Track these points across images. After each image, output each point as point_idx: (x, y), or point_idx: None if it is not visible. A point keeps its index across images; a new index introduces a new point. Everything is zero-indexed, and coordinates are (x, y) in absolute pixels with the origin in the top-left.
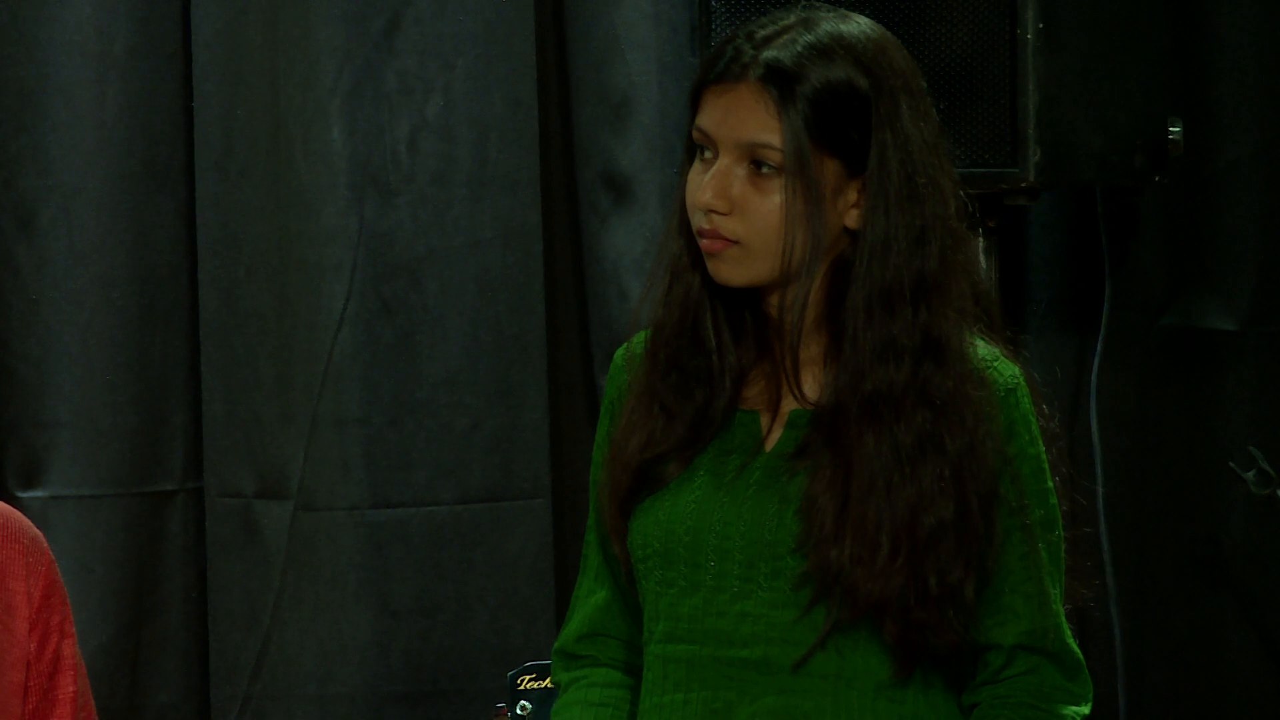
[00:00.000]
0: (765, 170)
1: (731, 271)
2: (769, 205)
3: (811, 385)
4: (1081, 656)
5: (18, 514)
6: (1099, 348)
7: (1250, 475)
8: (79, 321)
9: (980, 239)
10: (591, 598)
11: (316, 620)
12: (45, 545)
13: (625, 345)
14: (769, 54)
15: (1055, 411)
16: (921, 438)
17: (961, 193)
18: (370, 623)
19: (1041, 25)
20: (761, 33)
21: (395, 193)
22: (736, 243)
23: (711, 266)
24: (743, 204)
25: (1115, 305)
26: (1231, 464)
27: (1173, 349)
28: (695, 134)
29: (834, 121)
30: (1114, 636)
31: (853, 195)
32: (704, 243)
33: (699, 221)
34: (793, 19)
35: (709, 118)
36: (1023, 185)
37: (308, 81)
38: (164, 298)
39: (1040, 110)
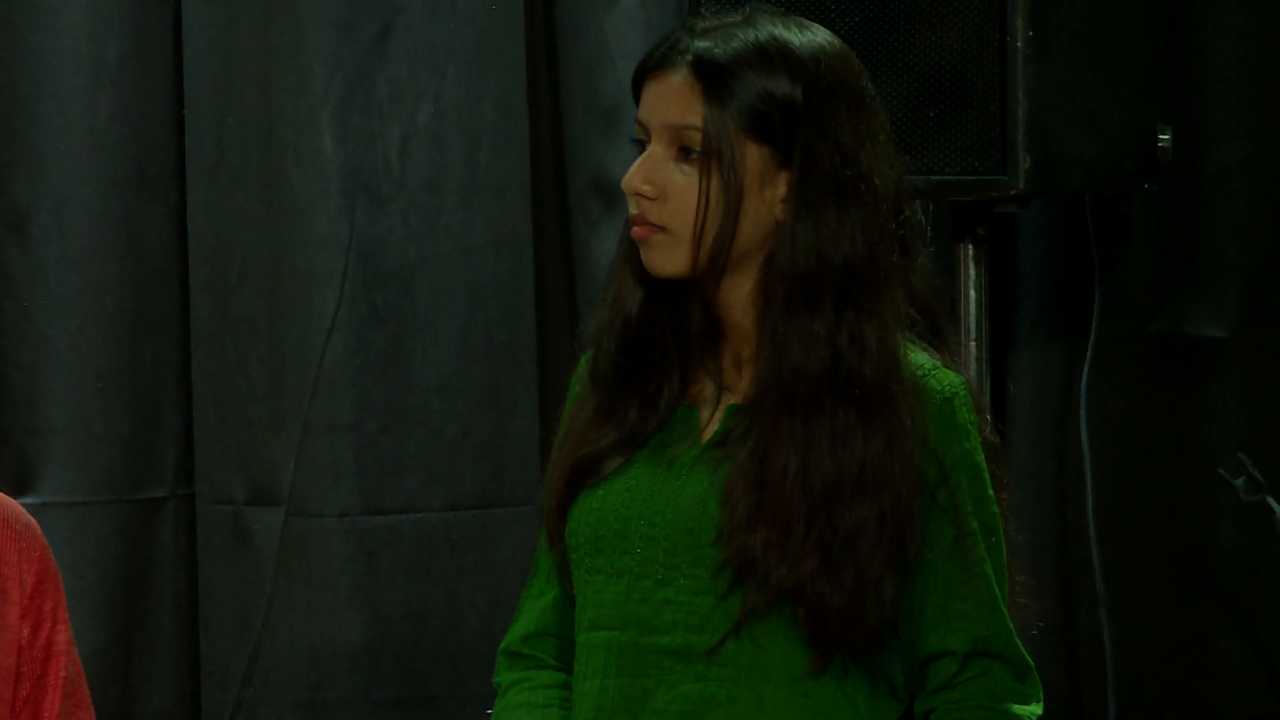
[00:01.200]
0: (692, 155)
1: (659, 259)
2: (692, 189)
3: (749, 380)
4: (1030, 660)
5: (10, 501)
6: (1089, 354)
7: (1239, 482)
8: (71, 327)
9: (970, 245)
10: (541, 598)
11: (308, 626)
12: (39, 532)
13: (586, 354)
14: (702, 44)
15: (1018, 415)
16: (839, 429)
17: (909, 202)
18: (361, 628)
19: (1031, 33)
20: (702, 25)
21: (386, 200)
22: (662, 228)
23: (643, 255)
24: (667, 188)
25: (1105, 312)
26: (1221, 471)
27: (1162, 356)
28: (636, 127)
29: (761, 115)
30: (1103, 644)
31: (782, 188)
32: (634, 230)
33: (631, 208)
34: (738, 17)
35: (644, 105)
36: (1012, 193)
37: (299, 89)
38: (156, 304)
39: (1030, 117)
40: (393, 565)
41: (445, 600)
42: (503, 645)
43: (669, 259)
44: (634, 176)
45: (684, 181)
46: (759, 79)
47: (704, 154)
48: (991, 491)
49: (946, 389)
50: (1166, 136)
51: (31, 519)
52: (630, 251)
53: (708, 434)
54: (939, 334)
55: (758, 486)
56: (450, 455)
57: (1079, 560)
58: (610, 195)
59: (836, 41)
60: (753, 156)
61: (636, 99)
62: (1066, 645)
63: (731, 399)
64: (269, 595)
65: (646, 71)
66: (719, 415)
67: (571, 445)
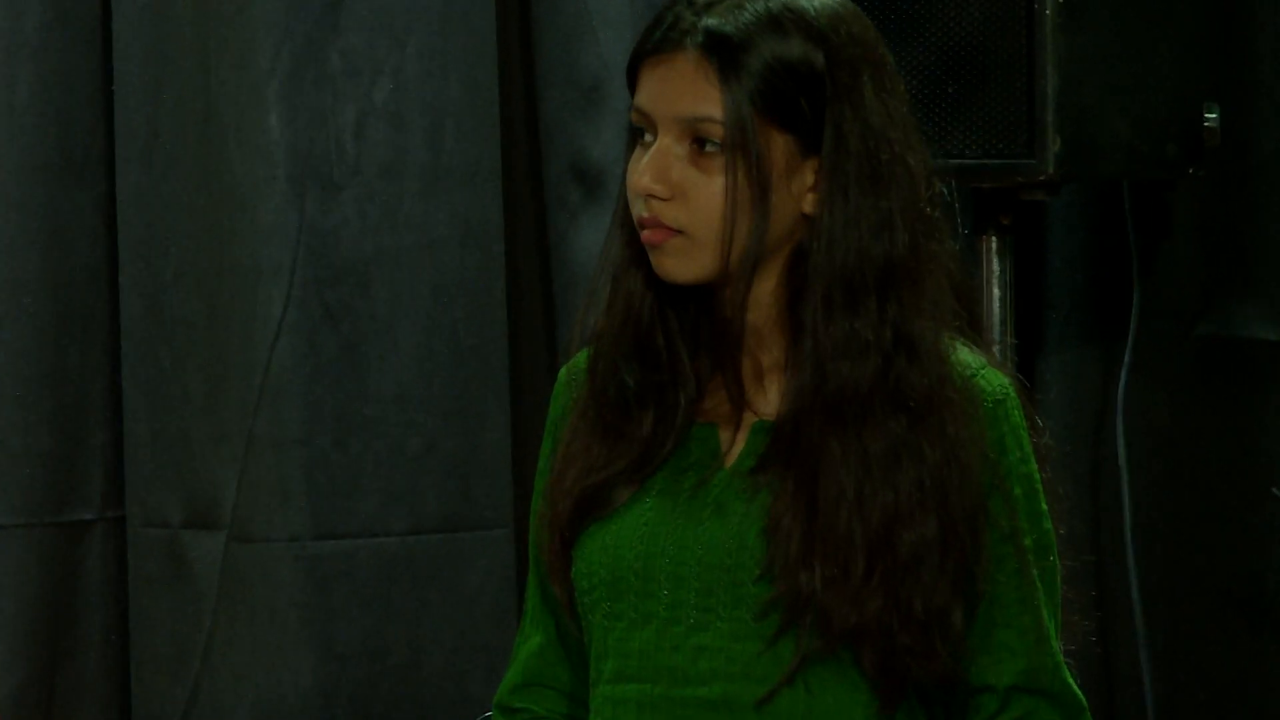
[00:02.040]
0: (708, 149)
1: (676, 265)
2: (713, 188)
3: (775, 392)
4: (1083, 698)
5: None
6: (1127, 359)
7: None
8: None
9: (993, 237)
10: (527, 644)
11: (252, 664)
12: None
13: (568, 363)
14: (710, 20)
15: (1048, 427)
16: (895, 444)
17: (937, 180)
18: (312, 667)
19: (1062, 0)
20: (703, 0)
21: (340, 186)
22: (680, 232)
23: (655, 261)
24: (684, 187)
25: (1145, 312)
26: (1275, 490)
27: (1209, 361)
28: (634, 115)
29: (784, 94)
30: (1143, 684)
31: (809, 177)
32: (645, 234)
33: (639, 210)
34: None
35: (645, 94)
36: (1041, 178)
37: (242, 62)
38: (81, 304)
39: (1060, 95)
40: (347, 596)
41: (406, 636)
42: (495, 698)
43: (688, 265)
44: (644, 175)
45: (702, 179)
46: (778, 57)
47: (725, 148)
48: (1045, 506)
49: (997, 390)
50: (1213, 116)
51: None
52: (633, 251)
53: (733, 456)
54: (977, 328)
55: (808, 516)
56: (412, 473)
57: (1115, 590)
58: (590, 181)
59: (849, 3)
60: (777, 146)
61: (632, 85)
62: (1102, 686)
63: (756, 415)
64: (208, 630)
65: (645, 55)
66: (744, 434)
67: (576, 472)
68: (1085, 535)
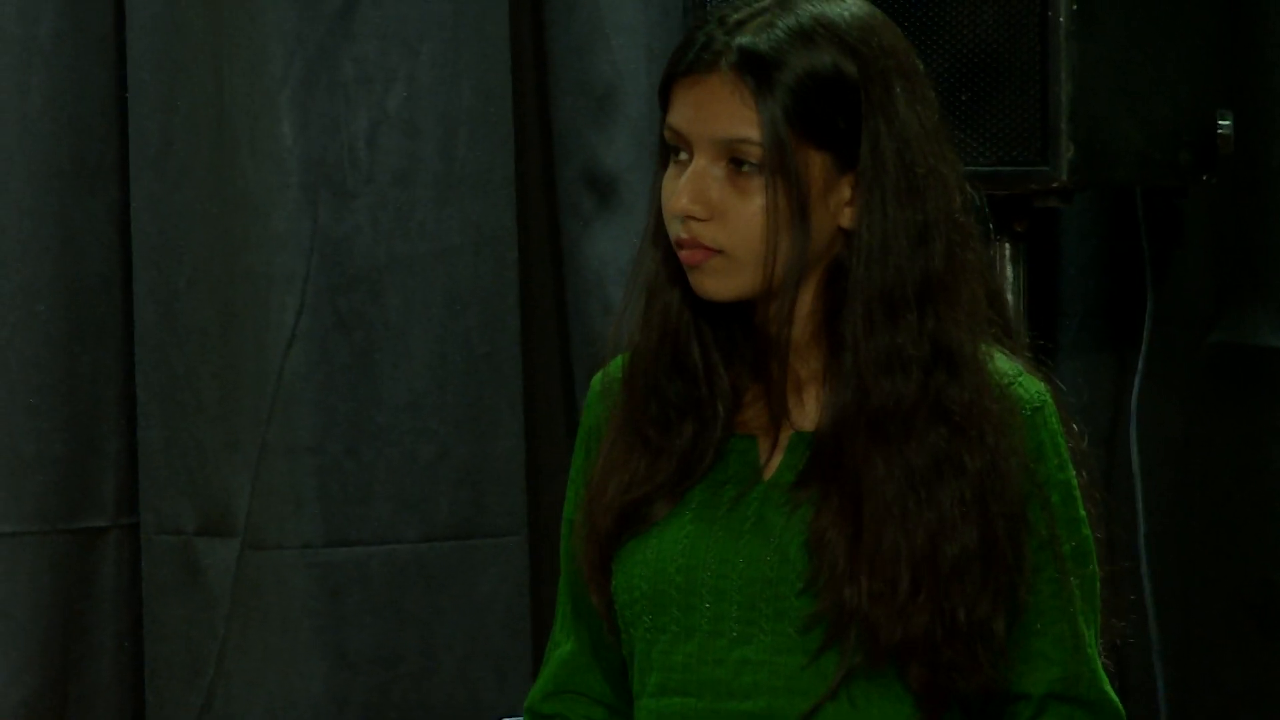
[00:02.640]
0: (745, 169)
1: (716, 284)
2: (751, 208)
3: (813, 405)
4: (1120, 706)
5: None
6: (1140, 367)
7: None
8: None
9: (1006, 244)
10: (557, 651)
11: (265, 672)
12: None
13: (602, 371)
14: (743, 39)
15: (1085, 431)
16: (937, 457)
17: (968, 186)
18: (324, 675)
19: (1075, 7)
20: (735, 16)
21: (353, 194)
22: (719, 252)
23: (694, 279)
24: (723, 208)
25: (1158, 320)
26: None
27: (1222, 368)
28: (667, 134)
29: (819, 111)
30: (1157, 692)
31: (846, 192)
32: (683, 254)
33: (676, 231)
34: (769, 1)
35: (680, 114)
36: (1054, 185)
37: (255, 70)
38: (95, 311)
39: (1074, 102)
40: (360, 604)
41: (419, 643)
42: (526, 703)
43: (729, 283)
44: (681, 197)
45: (740, 199)
46: (811, 72)
47: (763, 168)
48: (1083, 512)
49: (1035, 398)
50: (1227, 123)
51: None
52: (669, 268)
53: (772, 468)
54: (1010, 333)
55: (853, 531)
56: (424, 480)
57: (1129, 600)
58: (604, 189)
59: (878, 12)
60: (815, 164)
61: (664, 104)
62: (1116, 692)
63: (795, 427)
64: (222, 637)
65: (678, 76)
66: (782, 447)
67: (615, 487)
68: (1098, 542)
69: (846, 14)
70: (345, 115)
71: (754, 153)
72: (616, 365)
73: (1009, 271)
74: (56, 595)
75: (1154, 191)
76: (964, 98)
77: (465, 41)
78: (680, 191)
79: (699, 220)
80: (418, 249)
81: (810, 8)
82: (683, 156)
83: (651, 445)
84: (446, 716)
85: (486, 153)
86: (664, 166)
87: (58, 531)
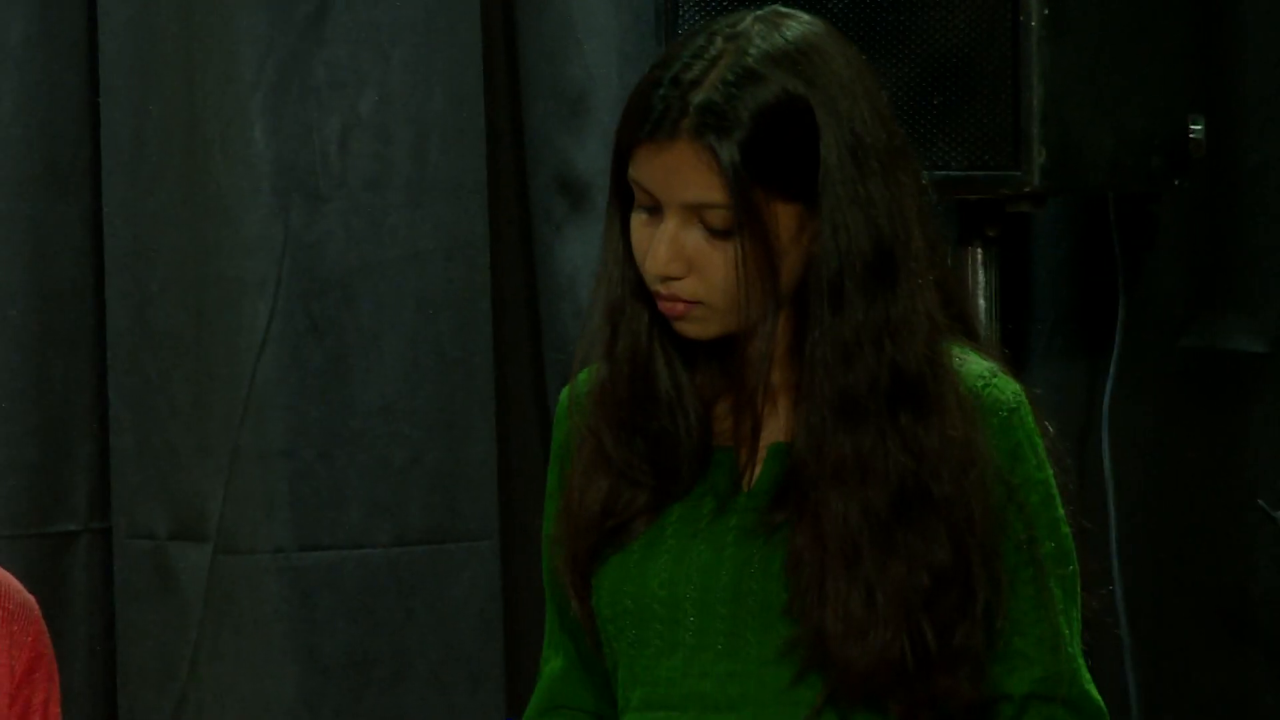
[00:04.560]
0: (713, 226)
1: (698, 329)
2: (726, 261)
3: (787, 414)
4: (1102, 704)
5: (7, 576)
6: (1112, 372)
7: None
8: None
9: (978, 249)
10: (547, 667)
11: (237, 676)
12: (36, 612)
13: (569, 385)
14: (698, 98)
15: (1054, 427)
16: (900, 494)
17: (930, 191)
18: (297, 679)
19: (1047, 11)
20: (689, 76)
21: (325, 199)
22: (699, 303)
23: (676, 326)
24: (699, 263)
25: (1130, 325)
26: (1261, 502)
27: (1194, 374)
28: (635, 188)
29: (780, 153)
30: (1129, 697)
31: (815, 228)
32: (664, 305)
33: (654, 285)
34: (717, 46)
35: (647, 177)
36: (1026, 190)
37: (227, 75)
38: (67, 316)
39: (1045, 107)
40: (332, 608)
41: (391, 647)
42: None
43: (709, 327)
44: (659, 260)
45: (715, 253)
46: (766, 112)
47: (734, 229)
48: (1062, 512)
49: (1011, 399)
50: (1199, 128)
51: (29, 597)
52: (633, 289)
53: (750, 480)
54: (974, 335)
55: (820, 566)
56: (397, 485)
57: (1100, 604)
58: (576, 194)
59: (826, 28)
60: (784, 216)
61: (622, 159)
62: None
63: (772, 436)
64: (194, 642)
65: (640, 140)
66: (760, 458)
67: (590, 509)
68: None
69: (790, 35)
70: (317, 120)
71: (723, 217)
72: (584, 379)
73: (980, 276)
74: None
75: (1126, 196)
76: (935, 102)
77: (437, 46)
78: (656, 255)
79: (676, 279)
80: (390, 254)
81: (758, 42)
82: (651, 210)
83: (627, 473)
84: None
85: (458, 157)
86: (618, 199)
87: (29, 536)
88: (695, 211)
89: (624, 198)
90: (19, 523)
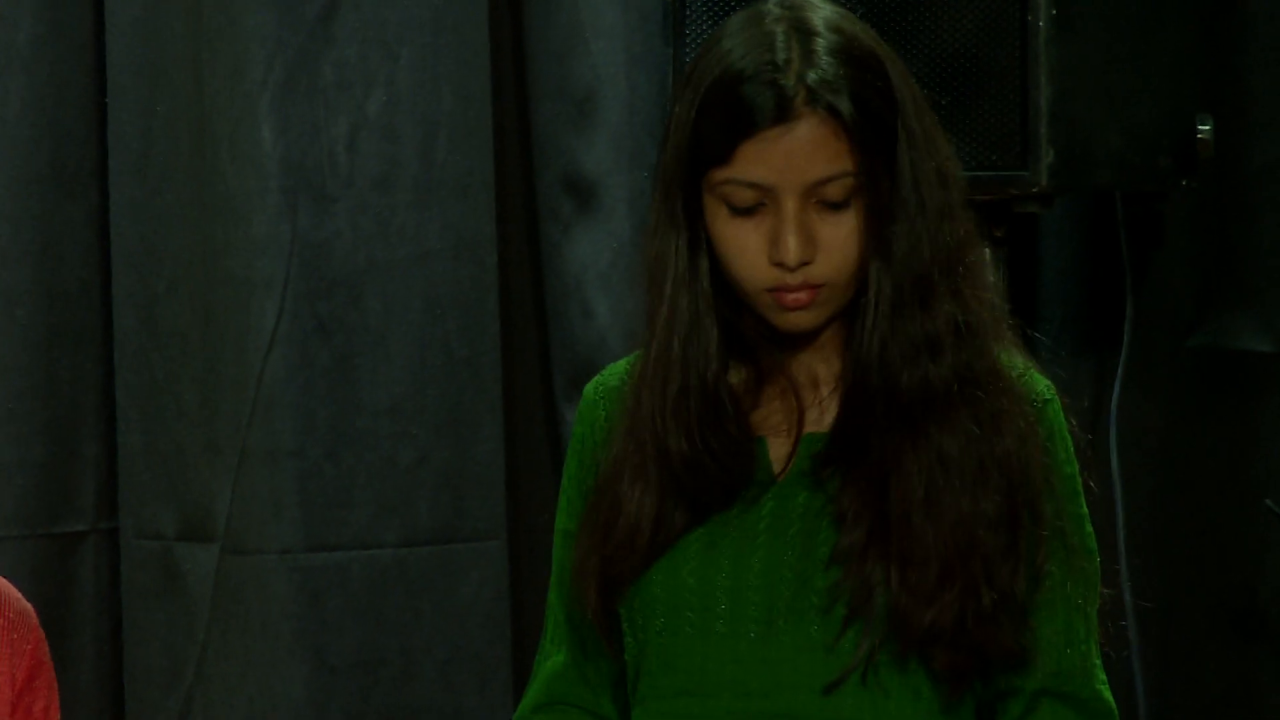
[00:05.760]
0: (833, 200)
1: (815, 316)
2: (846, 233)
3: (829, 404)
4: (1113, 705)
5: (5, 584)
6: (1120, 372)
7: None
8: None
9: (986, 249)
10: (548, 662)
11: (245, 677)
12: (34, 620)
13: (596, 379)
14: (811, 77)
15: (1086, 435)
16: (968, 440)
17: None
18: (305, 679)
19: (1055, 11)
20: (783, 58)
21: (332, 199)
22: (824, 285)
23: (793, 319)
24: (825, 241)
25: (1138, 324)
26: (1269, 502)
27: (1202, 373)
28: (739, 192)
29: (882, 117)
30: (1136, 696)
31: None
32: (791, 298)
33: (780, 280)
34: (784, 30)
35: (765, 169)
36: (1034, 190)
37: (235, 74)
38: (74, 316)
39: (1054, 106)
40: (340, 608)
41: (399, 648)
42: (516, 714)
43: (825, 311)
44: (792, 249)
45: (835, 228)
46: (871, 85)
47: (856, 193)
48: (1086, 509)
49: (1045, 391)
50: (1206, 127)
51: (28, 606)
52: (701, 311)
53: (785, 470)
54: (1013, 330)
55: (878, 517)
56: (404, 485)
57: (1109, 604)
58: (583, 193)
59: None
60: (885, 177)
61: (700, 171)
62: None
63: (809, 427)
64: (202, 642)
65: (755, 132)
66: (795, 447)
67: (643, 522)
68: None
69: (848, 22)
70: (325, 119)
71: (845, 186)
72: (611, 372)
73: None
74: (35, 600)
75: (1134, 196)
76: (944, 102)
77: (445, 46)
78: (786, 244)
79: (808, 263)
80: (397, 253)
81: (819, 17)
82: (758, 208)
83: (683, 495)
84: None
85: (466, 157)
86: (682, 220)
87: (37, 536)
88: (814, 191)
89: (689, 214)
90: (27, 523)
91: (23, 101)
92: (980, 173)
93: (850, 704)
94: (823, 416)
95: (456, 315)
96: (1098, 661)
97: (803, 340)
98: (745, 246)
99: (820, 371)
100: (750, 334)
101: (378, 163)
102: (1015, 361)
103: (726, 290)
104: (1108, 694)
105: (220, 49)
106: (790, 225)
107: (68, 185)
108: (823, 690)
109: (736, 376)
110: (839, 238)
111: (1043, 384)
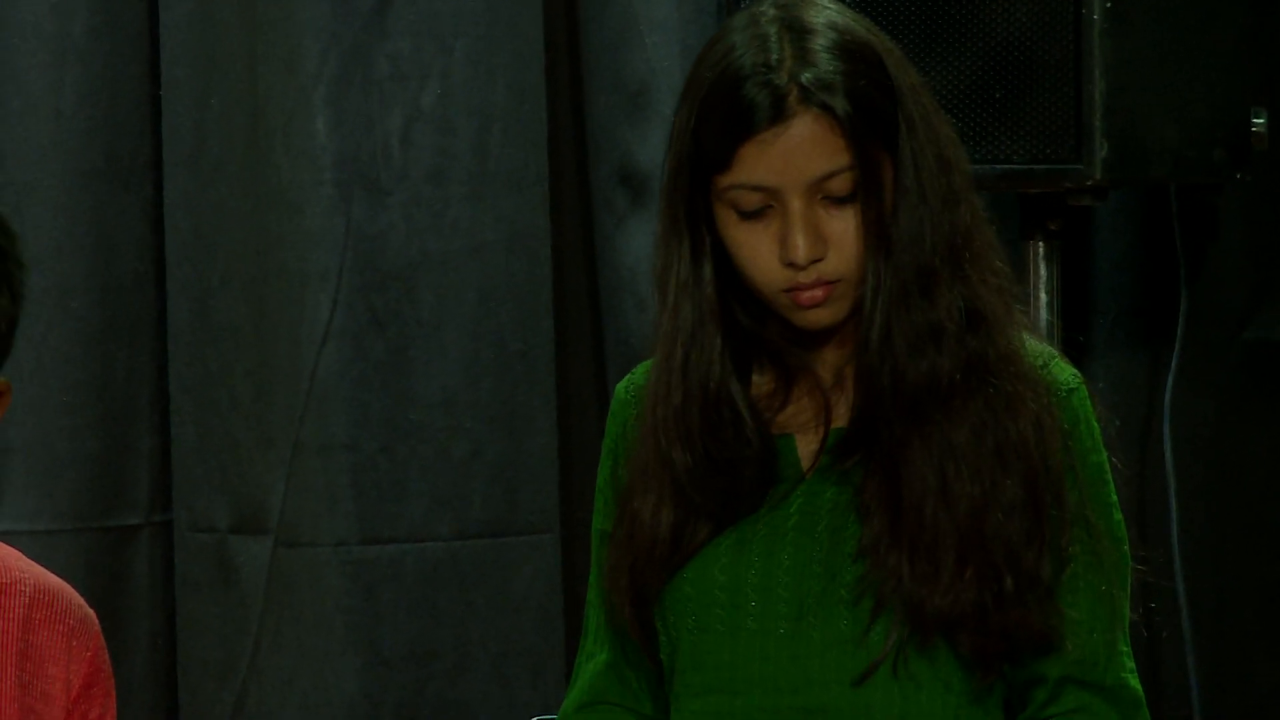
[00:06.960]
0: (838, 195)
1: (833, 312)
2: (854, 227)
3: (849, 394)
4: (1140, 693)
5: (69, 590)
6: (1174, 365)
7: None
8: (33, 335)
9: (1040, 242)
10: (590, 662)
11: (299, 670)
12: (95, 627)
13: (627, 378)
14: (806, 75)
15: (1116, 421)
16: (978, 426)
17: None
18: (358, 672)
19: (1109, 4)
20: (775, 59)
21: (386, 191)
22: (838, 281)
23: (810, 316)
24: (834, 237)
25: (1192, 317)
26: None
27: (1257, 367)
28: (744, 196)
29: (879, 109)
30: (1190, 692)
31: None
32: (805, 296)
33: (793, 280)
34: (776, 30)
35: (766, 169)
36: (1088, 183)
37: (289, 67)
38: (128, 308)
39: (1108, 99)
40: (394, 601)
41: (453, 640)
42: (560, 713)
43: (842, 307)
44: (802, 248)
45: (841, 222)
46: (866, 78)
47: (860, 188)
48: (1115, 497)
49: (1070, 380)
50: (1261, 120)
51: (90, 612)
52: (712, 320)
53: (813, 466)
54: (1027, 315)
55: (893, 508)
56: (458, 478)
57: (1163, 597)
58: (637, 186)
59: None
60: (889, 169)
61: (704, 175)
62: (1149, 690)
63: (836, 422)
64: (255, 635)
65: (753, 134)
66: (820, 443)
67: (664, 534)
68: (1131, 540)
69: (843, 17)
70: (379, 112)
71: (848, 180)
72: (642, 371)
73: (1042, 270)
74: (90, 592)
75: (1188, 189)
76: (998, 95)
77: (499, 38)
78: (795, 243)
79: (819, 260)
80: (451, 246)
81: (813, 14)
82: (766, 211)
83: (700, 507)
84: (480, 714)
85: (520, 150)
86: (683, 224)
87: (91, 529)
88: (818, 187)
89: (691, 222)
90: (81, 516)
91: (78, 95)
92: (1034, 166)
93: (880, 696)
94: (849, 411)
95: (510, 308)
96: (1125, 649)
97: (825, 336)
98: (757, 250)
99: (845, 366)
100: (774, 336)
101: (432, 155)
102: (1039, 351)
103: (747, 295)
104: (1134, 682)
105: (274, 41)
106: (797, 224)
107: (122, 178)
108: (853, 683)
109: (764, 379)
110: (848, 232)
111: (1068, 373)
